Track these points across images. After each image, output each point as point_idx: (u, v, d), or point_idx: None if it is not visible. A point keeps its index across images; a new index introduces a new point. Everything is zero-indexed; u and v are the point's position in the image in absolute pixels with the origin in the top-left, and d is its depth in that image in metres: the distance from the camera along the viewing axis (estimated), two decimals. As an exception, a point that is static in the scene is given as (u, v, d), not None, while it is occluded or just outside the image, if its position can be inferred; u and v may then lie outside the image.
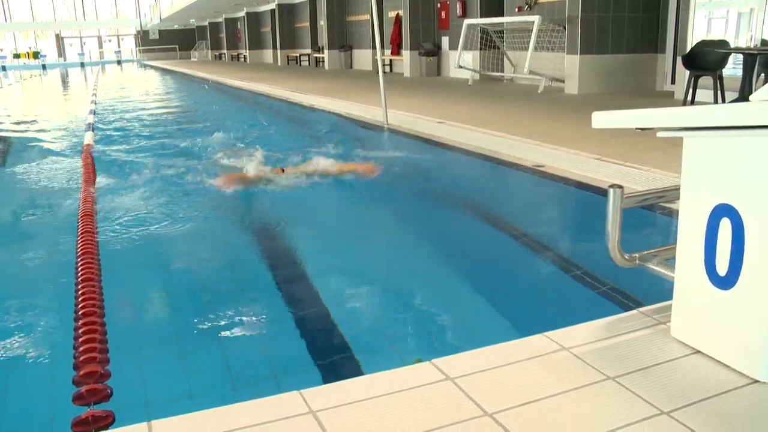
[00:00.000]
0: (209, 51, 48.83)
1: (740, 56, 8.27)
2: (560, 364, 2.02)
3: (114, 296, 3.18)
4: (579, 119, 8.06)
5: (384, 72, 8.98)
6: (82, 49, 53.82)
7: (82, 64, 46.62)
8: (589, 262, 3.44)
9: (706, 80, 8.68)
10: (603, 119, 2.19)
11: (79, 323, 2.89)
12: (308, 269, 3.66)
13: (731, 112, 1.80)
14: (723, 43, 9.03)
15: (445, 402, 1.81)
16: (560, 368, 2.00)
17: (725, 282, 1.93)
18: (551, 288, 3.27)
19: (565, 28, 12.14)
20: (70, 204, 5.13)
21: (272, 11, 33.17)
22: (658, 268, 2.34)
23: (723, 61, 8.53)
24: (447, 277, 3.47)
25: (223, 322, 2.95)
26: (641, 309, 2.42)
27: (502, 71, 15.09)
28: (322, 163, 5.88)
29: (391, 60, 21.13)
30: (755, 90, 2.13)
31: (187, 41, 53.61)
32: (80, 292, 3.21)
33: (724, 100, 8.48)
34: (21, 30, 53.13)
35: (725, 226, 1.90)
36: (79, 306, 3.08)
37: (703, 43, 9.08)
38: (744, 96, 7.79)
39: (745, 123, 1.74)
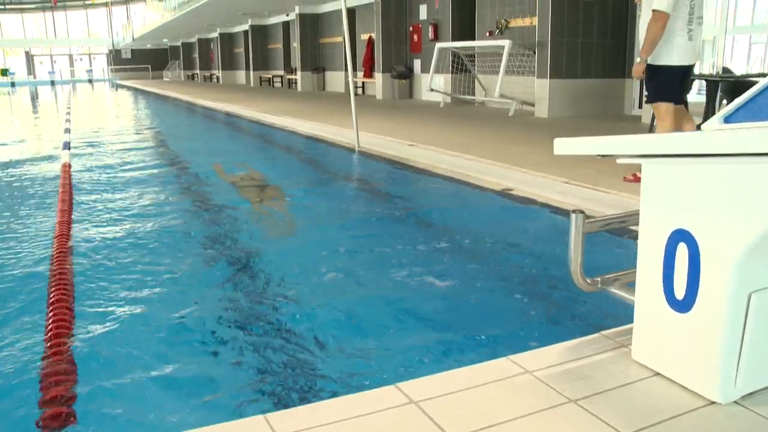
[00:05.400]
0: (182, 71, 48.76)
1: (704, 83, 8.46)
2: (523, 387, 2.05)
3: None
4: (548, 143, 8.03)
5: (356, 94, 9.04)
6: (52, 67, 53.49)
7: (53, 83, 46.29)
8: (551, 283, 3.48)
9: (672, 106, 8.86)
10: (565, 146, 2.24)
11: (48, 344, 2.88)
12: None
13: (685, 141, 1.86)
14: (687, 70, 9.24)
15: (409, 426, 1.83)
16: (523, 391, 2.02)
17: (683, 305, 1.97)
18: (514, 310, 3.29)
19: (535, 52, 12.35)
20: (46, 222, 5.10)
21: (245, 32, 33.29)
22: (619, 292, 2.38)
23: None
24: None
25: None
26: (604, 332, 2.45)
27: (474, 94, 15.27)
28: None
29: (363, 82, 21.27)
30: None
31: (160, 61, 53.51)
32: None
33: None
34: (-10, 47, 52.72)
35: (682, 250, 1.95)
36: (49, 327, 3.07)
37: (668, 70, 9.27)
38: (708, 121, 7.95)
39: (697, 151, 1.80)
